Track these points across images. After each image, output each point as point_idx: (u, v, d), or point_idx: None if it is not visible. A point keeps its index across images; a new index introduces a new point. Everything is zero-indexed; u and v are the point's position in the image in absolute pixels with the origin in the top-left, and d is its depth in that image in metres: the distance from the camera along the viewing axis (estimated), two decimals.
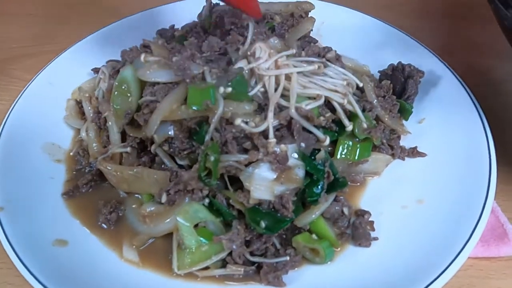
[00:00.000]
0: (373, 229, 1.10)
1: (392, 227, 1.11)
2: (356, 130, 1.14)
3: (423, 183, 1.19)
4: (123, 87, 1.16)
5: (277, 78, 1.06)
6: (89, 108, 1.32)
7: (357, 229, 1.08)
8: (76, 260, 1.03)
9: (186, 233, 0.99)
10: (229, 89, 1.02)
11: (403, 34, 1.57)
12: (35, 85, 1.42)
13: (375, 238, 1.08)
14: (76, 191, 1.19)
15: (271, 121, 1.01)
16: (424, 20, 1.84)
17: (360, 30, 1.62)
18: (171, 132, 1.05)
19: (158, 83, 1.09)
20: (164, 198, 1.02)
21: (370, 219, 1.11)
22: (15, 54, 1.81)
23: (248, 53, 1.10)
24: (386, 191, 1.20)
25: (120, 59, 1.48)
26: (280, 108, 1.05)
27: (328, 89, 1.10)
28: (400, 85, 1.39)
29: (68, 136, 1.36)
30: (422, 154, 1.27)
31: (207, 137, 1.00)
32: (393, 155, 1.26)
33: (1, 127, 1.27)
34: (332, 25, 1.60)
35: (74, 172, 1.25)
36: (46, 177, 1.22)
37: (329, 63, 1.15)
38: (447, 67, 1.43)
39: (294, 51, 1.14)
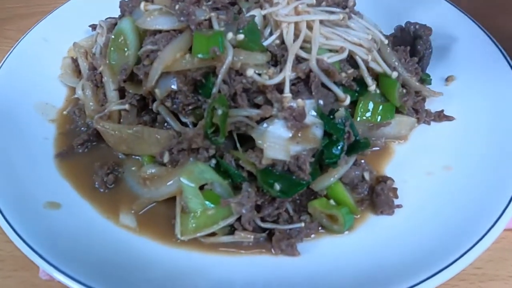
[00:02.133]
0: (396, 196, 1.00)
1: (417, 195, 1.01)
2: (396, 96, 1.04)
3: (451, 148, 1.09)
4: (119, 40, 1.05)
5: (296, 26, 0.95)
6: (85, 64, 1.21)
7: (379, 196, 0.98)
8: (69, 224, 0.94)
9: (190, 195, 0.89)
10: (241, 36, 0.91)
11: None
12: (27, 41, 1.32)
13: (399, 206, 0.98)
14: (71, 152, 1.10)
15: (288, 73, 0.90)
16: None
17: None
18: (174, 86, 0.94)
19: (160, 31, 0.97)
20: (166, 158, 0.92)
21: (393, 186, 1.00)
22: (9, 14, 1.71)
23: None
24: (410, 157, 1.10)
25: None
26: (298, 61, 0.93)
27: (352, 42, 0.98)
28: (410, 46, 1.27)
29: (63, 96, 1.26)
30: (449, 118, 1.16)
31: (215, 90, 0.90)
32: (418, 119, 1.15)
33: None
34: None
35: (67, 132, 1.15)
36: (40, 137, 1.13)
37: (352, 15, 1.03)
38: (479, 26, 1.30)
39: (314, 1, 1.01)
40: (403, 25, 1.31)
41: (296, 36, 0.96)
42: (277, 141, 0.86)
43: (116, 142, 1.05)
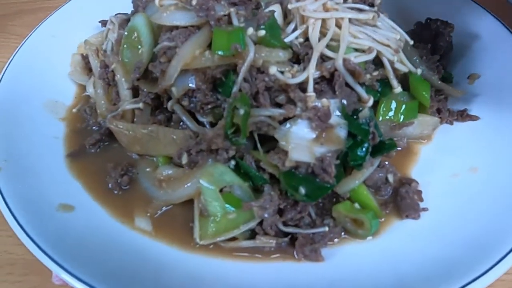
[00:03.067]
0: (422, 199, 0.96)
1: (443, 198, 0.97)
2: (427, 98, 1.02)
3: (476, 149, 1.05)
4: (133, 37, 1.01)
5: (323, 24, 0.91)
6: (96, 62, 1.17)
7: (403, 199, 0.94)
8: (83, 227, 0.90)
9: (210, 198, 0.85)
10: (262, 32, 0.87)
11: None
12: (35, 38, 1.28)
13: (425, 209, 0.94)
14: (82, 152, 1.06)
15: (312, 72, 0.86)
16: None
17: None
18: (192, 84, 0.90)
19: (177, 27, 0.93)
20: (185, 159, 0.88)
21: (417, 188, 0.97)
22: (14, 10, 1.67)
23: None
24: (434, 158, 1.06)
25: (129, 13, 1.34)
26: (322, 59, 0.89)
27: (380, 42, 0.94)
28: (431, 43, 1.23)
29: (73, 93, 1.23)
30: (473, 118, 1.12)
31: (235, 88, 0.86)
32: (440, 119, 1.11)
33: None
34: None
35: (77, 131, 1.12)
36: (49, 136, 1.09)
37: (381, 14, 0.99)
38: (500, 21, 1.26)
39: (341, 0, 0.97)
40: (423, 21, 1.28)
41: (322, 34, 0.92)
42: (301, 142, 0.83)
43: (129, 142, 1.01)
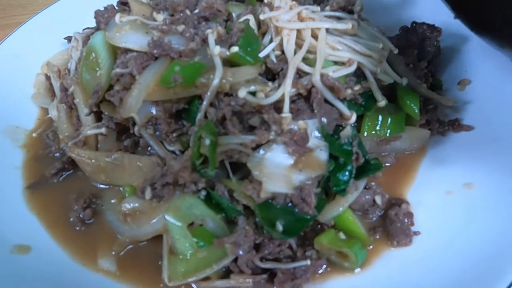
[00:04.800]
0: (412, 223, 0.88)
1: (436, 219, 0.89)
2: (415, 110, 0.94)
3: (470, 162, 0.97)
4: (91, 58, 0.93)
5: (298, 35, 0.83)
6: (58, 83, 1.08)
7: (393, 223, 0.87)
8: (40, 271, 0.82)
9: (177, 236, 0.77)
10: (235, 49, 0.79)
11: None
12: None
13: (416, 233, 0.86)
14: (43, 183, 0.97)
15: (287, 90, 0.78)
16: None
17: None
18: (153, 111, 0.82)
19: (131, 50, 0.85)
20: (148, 194, 0.80)
21: (408, 210, 0.89)
22: None
23: (265, 1, 0.86)
24: (426, 174, 0.98)
25: None
26: (298, 75, 0.81)
27: (361, 53, 0.87)
28: (417, 49, 1.15)
29: (35, 117, 1.14)
30: (466, 128, 1.04)
31: (199, 115, 0.78)
32: (430, 131, 1.03)
33: None
34: None
35: (39, 158, 1.03)
36: (8, 166, 1.00)
37: (361, 22, 0.91)
38: None
39: (318, 8, 0.90)
40: (408, 26, 1.20)
41: (298, 46, 0.84)
42: (276, 170, 0.74)
43: (93, 171, 0.93)
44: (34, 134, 1.10)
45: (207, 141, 0.73)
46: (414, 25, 1.18)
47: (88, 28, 1.24)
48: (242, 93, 0.77)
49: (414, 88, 1.03)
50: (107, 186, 0.95)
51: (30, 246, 0.85)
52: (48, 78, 1.19)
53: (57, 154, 1.04)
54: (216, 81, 0.76)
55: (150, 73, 0.79)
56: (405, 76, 1.00)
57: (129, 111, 0.79)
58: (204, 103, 0.77)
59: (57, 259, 0.84)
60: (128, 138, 0.95)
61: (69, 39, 1.26)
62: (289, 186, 0.74)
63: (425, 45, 1.15)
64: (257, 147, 0.77)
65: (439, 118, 1.07)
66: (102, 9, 1.10)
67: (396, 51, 1.00)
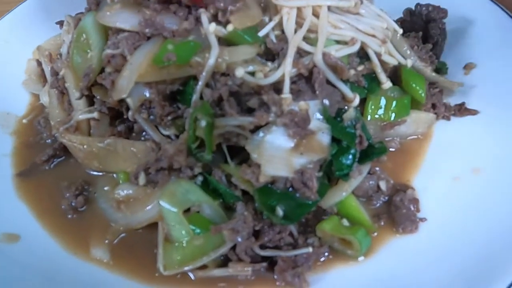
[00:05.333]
0: (419, 209, 0.84)
1: (443, 205, 0.87)
2: (421, 94, 0.90)
3: (477, 146, 0.94)
4: (82, 39, 0.89)
5: (299, 13, 0.79)
6: (49, 68, 1.04)
7: (398, 209, 0.84)
8: (29, 261, 0.78)
9: (173, 222, 0.74)
10: (230, 27, 0.75)
11: None
12: None
13: (422, 219, 0.83)
14: (34, 171, 0.94)
15: (288, 70, 0.74)
16: None
17: None
18: (147, 93, 0.78)
19: (122, 30, 0.81)
20: (142, 180, 0.77)
21: (414, 196, 0.85)
22: None
23: None
24: (432, 159, 0.95)
25: None
26: (299, 54, 0.78)
27: (364, 32, 0.83)
28: (422, 31, 1.12)
29: (26, 104, 1.10)
30: (472, 112, 1.01)
31: (195, 96, 0.74)
32: (436, 115, 1.00)
33: None
34: None
35: (29, 145, 1.00)
36: (1, 154, 0.97)
37: (363, 0, 0.87)
38: (500, 7, 1.15)
39: None
40: (413, 8, 1.16)
41: (298, 25, 0.80)
42: (276, 153, 0.71)
43: (86, 157, 0.89)
44: (24, 121, 1.06)
45: (203, 123, 0.70)
46: (418, 7, 1.15)
47: (81, 13, 1.21)
48: (240, 72, 0.73)
49: (419, 71, 1.00)
50: (100, 173, 0.92)
51: (19, 235, 0.82)
52: (39, 63, 1.15)
53: (49, 141, 1.00)
54: (211, 60, 0.72)
55: (142, 53, 0.75)
56: (410, 58, 0.97)
57: (121, 93, 0.75)
58: (200, 83, 0.73)
59: (48, 248, 0.81)
60: (121, 123, 0.91)
61: (61, 23, 1.21)
62: (290, 170, 0.71)
63: (430, 27, 1.11)
64: (256, 129, 0.73)
65: (444, 102, 1.03)
66: None
67: (400, 31, 0.96)
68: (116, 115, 0.93)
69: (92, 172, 0.93)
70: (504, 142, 0.92)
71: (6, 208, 0.87)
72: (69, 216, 0.86)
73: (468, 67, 1.10)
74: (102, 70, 0.88)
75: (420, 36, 1.10)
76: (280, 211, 0.70)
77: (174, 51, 0.72)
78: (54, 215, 0.86)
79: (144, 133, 0.89)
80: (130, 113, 0.87)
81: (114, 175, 0.89)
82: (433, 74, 1.02)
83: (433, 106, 1.01)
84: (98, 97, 0.89)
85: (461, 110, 1.02)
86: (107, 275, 0.78)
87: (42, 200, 0.89)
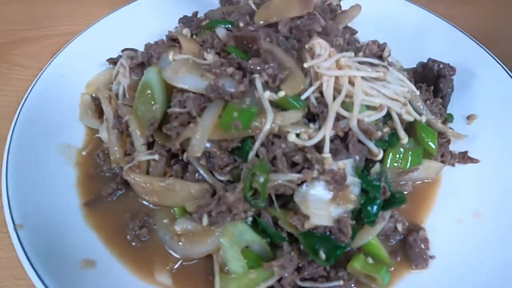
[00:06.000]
0: (428, 248, 1.01)
1: (449, 244, 1.02)
2: (433, 146, 1.06)
3: (478, 192, 1.11)
4: (147, 93, 1.03)
5: (336, 80, 0.94)
6: (109, 109, 1.17)
7: (412, 248, 0.99)
8: (106, 284, 0.92)
9: (231, 258, 0.89)
10: (282, 93, 0.90)
11: (446, 23, 1.46)
12: (45, 77, 1.28)
13: (432, 257, 0.99)
14: (99, 201, 1.08)
15: (328, 133, 0.89)
16: (468, 6, 1.70)
17: (393, 16, 1.49)
18: (208, 146, 0.93)
19: (187, 90, 0.96)
20: (205, 220, 0.91)
21: (425, 236, 1.02)
22: (16, 38, 1.64)
23: (307, 46, 0.97)
24: (439, 202, 1.11)
25: (135, 46, 1.36)
26: (337, 118, 0.93)
27: (389, 98, 0.98)
28: (433, 84, 1.27)
29: (82, 135, 1.24)
30: (474, 160, 1.18)
31: (251, 154, 0.89)
32: (443, 162, 1.16)
33: (12, 128, 1.13)
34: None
35: (91, 177, 1.13)
36: (66, 184, 1.10)
37: (389, 67, 1.02)
38: (496, 60, 1.32)
39: (352, 54, 1.00)
40: (425, 61, 1.32)
41: (336, 90, 0.95)
42: (319, 206, 0.86)
43: (146, 193, 1.04)
44: (83, 153, 1.19)
45: (262, 179, 0.85)
46: (430, 62, 1.30)
47: (127, 49, 1.35)
48: (291, 137, 0.88)
49: (430, 124, 1.15)
50: (157, 207, 1.06)
51: (95, 261, 0.95)
52: (94, 99, 1.28)
53: (108, 174, 1.14)
54: (268, 126, 0.88)
55: (209, 116, 0.90)
56: (424, 114, 1.13)
57: (195, 152, 0.90)
58: (257, 143, 0.88)
59: (119, 273, 0.95)
60: (176, 163, 1.06)
61: (111, 61, 1.36)
62: (330, 220, 0.86)
63: (440, 82, 1.26)
64: (301, 183, 0.89)
65: (451, 150, 1.19)
66: (140, 34, 1.22)
67: (418, 92, 1.11)
68: (172, 156, 1.07)
69: (149, 205, 1.07)
70: (502, 188, 1.08)
71: (79, 235, 1.00)
72: (133, 244, 1.01)
73: (471, 117, 1.26)
74: (163, 120, 1.03)
75: (432, 89, 1.26)
76: (322, 254, 0.86)
77: (239, 118, 0.87)
78: (121, 243, 1.00)
79: (197, 173, 1.04)
80: (185, 155, 1.02)
81: (172, 210, 1.04)
82: (443, 126, 1.18)
83: (442, 155, 1.17)
84: (159, 142, 1.04)
85: (464, 158, 1.18)
86: None
87: (108, 228, 1.03)
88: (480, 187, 1.11)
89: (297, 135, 0.92)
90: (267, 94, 0.91)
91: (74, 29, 1.61)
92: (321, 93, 0.98)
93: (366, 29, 1.33)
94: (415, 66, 1.34)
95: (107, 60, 1.37)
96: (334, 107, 0.93)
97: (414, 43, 1.45)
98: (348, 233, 0.86)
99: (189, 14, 1.35)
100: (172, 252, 0.98)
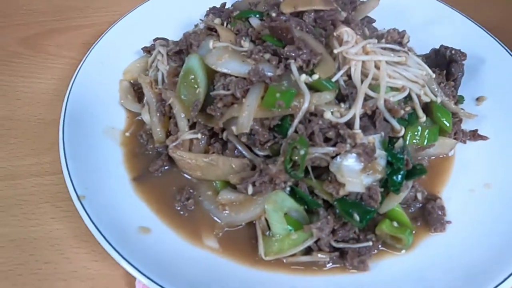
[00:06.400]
0: (445, 214, 1.12)
1: (463, 211, 1.14)
2: (447, 124, 1.16)
3: (489, 166, 1.22)
4: (190, 78, 1.14)
5: (363, 64, 1.05)
6: (151, 94, 1.28)
7: (430, 214, 1.11)
8: (160, 246, 1.03)
9: (275, 222, 1.00)
10: (315, 76, 1.01)
11: (455, 12, 1.56)
12: (87, 65, 1.38)
13: (449, 222, 1.11)
14: (146, 176, 1.19)
15: (358, 111, 1.01)
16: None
17: (409, 6, 1.60)
18: (251, 124, 1.04)
19: (229, 74, 1.07)
20: (250, 190, 1.02)
21: (442, 204, 1.13)
22: (46, 28, 1.74)
23: (335, 34, 1.08)
24: (453, 175, 1.22)
25: (165, 36, 1.46)
26: (364, 98, 1.04)
27: (410, 80, 1.09)
28: (445, 69, 1.38)
29: (123, 118, 1.34)
30: (483, 138, 1.29)
31: (291, 130, 1.00)
32: (455, 139, 1.28)
33: (63, 111, 1.23)
34: None
35: (137, 155, 1.24)
36: (115, 162, 1.21)
37: (409, 52, 1.14)
38: (503, 46, 1.43)
39: (376, 41, 1.11)
40: (438, 48, 1.43)
41: (363, 74, 1.06)
42: (352, 175, 0.98)
43: (191, 169, 1.15)
44: (127, 134, 1.29)
45: (302, 152, 0.97)
46: (443, 48, 1.41)
47: (158, 38, 1.45)
48: (327, 114, 1.00)
49: (445, 105, 1.27)
50: (200, 181, 1.17)
51: (149, 228, 1.07)
52: (132, 85, 1.39)
53: (151, 152, 1.24)
54: (306, 105, 0.99)
55: (253, 97, 1.01)
56: (439, 96, 1.24)
57: (243, 129, 1.01)
58: (296, 121, 1.00)
59: (171, 238, 1.06)
60: (216, 142, 1.17)
61: (146, 49, 1.46)
62: (362, 187, 0.98)
63: (452, 66, 1.37)
64: (336, 155, 1.00)
65: (462, 129, 1.31)
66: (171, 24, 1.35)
67: (433, 76, 1.22)
68: (211, 136, 1.19)
69: (192, 180, 1.19)
70: (509, 162, 1.21)
71: (132, 206, 1.11)
72: (182, 213, 1.12)
73: (480, 99, 1.37)
74: (205, 102, 1.14)
75: (444, 73, 1.37)
76: (357, 217, 0.98)
77: (281, 98, 0.98)
78: (170, 213, 1.11)
79: (235, 150, 1.15)
80: (225, 134, 1.13)
81: (214, 183, 1.15)
82: (455, 107, 1.29)
83: (454, 133, 1.29)
84: (201, 122, 1.15)
85: (475, 136, 1.29)
86: (218, 260, 1.03)
87: (157, 200, 1.13)
88: (489, 162, 1.22)
89: (331, 113, 1.03)
90: (303, 77, 1.02)
91: (99, 19, 1.73)
92: (348, 76, 1.10)
93: (379, 18, 1.44)
94: (426, 52, 1.45)
95: (142, 49, 1.46)
96: (363, 89, 1.04)
97: (424, 31, 1.55)
98: (377, 199, 0.98)
99: (212, 5, 1.44)
100: (217, 219, 1.10)
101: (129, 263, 0.95)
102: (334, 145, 1.00)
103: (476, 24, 1.52)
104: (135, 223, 1.07)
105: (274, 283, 1.01)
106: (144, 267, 0.95)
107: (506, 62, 1.40)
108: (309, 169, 1.03)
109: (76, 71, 1.36)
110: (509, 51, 1.42)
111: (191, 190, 1.15)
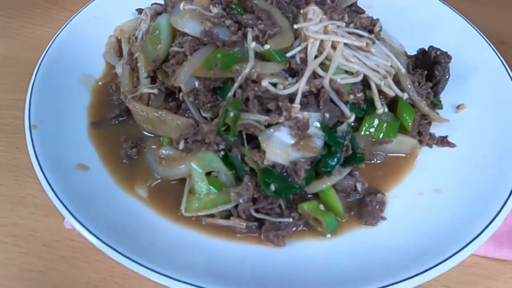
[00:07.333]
0: (382, 210, 1.08)
1: (403, 211, 1.09)
2: (409, 123, 1.13)
3: (444, 172, 1.16)
4: (155, 34, 1.18)
5: (322, 44, 1.04)
6: (126, 48, 1.34)
7: (366, 206, 1.07)
8: (93, 185, 1.08)
9: (197, 179, 1.02)
10: (267, 46, 1.01)
11: (456, 15, 1.50)
12: (80, 17, 1.46)
13: (383, 218, 1.07)
14: (104, 123, 1.24)
15: (302, 86, 1.00)
16: (478, 4, 1.74)
17: (413, 7, 1.55)
18: (196, 84, 1.06)
19: (187, 34, 1.09)
20: (181, 145, 1.05)
21: (382, 200, 1.09)
22: None
23: (301, 11, 1.08)
24: (406, 175, 1.18)
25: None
26: (314, 76, 1.03)
27: (370, 68, 1.07)
28: (430, 70, 1.33)
29: (102, 70, 1.41)
30: (451, 145, 1.23)
31: (230, 94, 1.01)
32: (420, 141, 1.23)
33: (44, 52, 1.32)
34: None
35: (101, 102, 1.30)
36: (79, 106, 1.28)
37: (376, 41, 1.11)
38: (499, 56, 1.35)
39: (344, 23, 1.10)
40: (426, 48, 1.38)
41: (319, 52, 1.05)
42: (279, 146, 0.97)
43: (143, 121, 1.19)
44: (100, 83, 1.36)
45: (232, 114, 0.97)
46: (430, 48, 1.36)
47: (156, 3, 1.50)
48: (265, 83, 1.00)
49: (414, 103, 1.22)
50: (150, 134, 1.21)
51: (88, 166, 1.12)
52: (118, 41, 1.45)
53: (116, 103, 1.30)
54: (247, 70, 0.99)
55: (198, 55, 1.03)
56: (407, 92, 1.19)
57: (179, 82, 1.04)
58: (235, 85, 1.00)
59: (106, 180, 1.11)
60: (173, 101, 1.20)
61: (139, 11, 1.52)
62: (286, 160, 0.97)
63: (435, 68, 1.32)
64: (269, 125, 1.00)
65: (431, 132, 1.25)
66: None
67: (403, 70, 1.18)
68: (170, 94, 1.22)
69: (144, 133, 1.22)
70: (466, 173, 1.13)
71: (81, 147, 1.17)
72: (124, 161, 1.16)
73: (460, 107, 1.30)
74: (165, 60, 1.17)
75: (425, 74, 1.32)
76: (272, 187, 0.97)
77: (221, 59, 0.99)
78: (113, 159, 1.16)
79: (188, 111, 1.17)
80: (181, 94, 1.16)
81: (161, 138, 1.18)
82: (426, 108, 1.24)
83: (419, 133, 1.23)
84: (160, 78, 1.19)
85: (443, 141, 1.23)
86: (144, 209, 1.06)
87: (106, 146, 1.18)
88: (448, 169, 1.16)
89: (274, 85, 1.02)
90: (253, 44, 1.03)
91: None
92: (306, 55, 1.09)
93: (379, 16, 1.40)
94: None
95: (136, 10, 1.53)
96: (312, 65, 1.03)
97: (423, 31, 1.50)
98: (301, 174, 0.97)
99: None
100: (154, 172, 1.13)
101: (56, 196, 1.00)
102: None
103: (476, 30, 1.44)
104: (76, 160, 1.12)
105: (191, 240, 1.02)
106: (70, 202, 0.99)
107: (497, 74, 1.33)
108: (243, 135, 1.03)
109: (69, 20, 1.44)
110: (504, 63, 1.34)
111: (139, 142, 1.19)
